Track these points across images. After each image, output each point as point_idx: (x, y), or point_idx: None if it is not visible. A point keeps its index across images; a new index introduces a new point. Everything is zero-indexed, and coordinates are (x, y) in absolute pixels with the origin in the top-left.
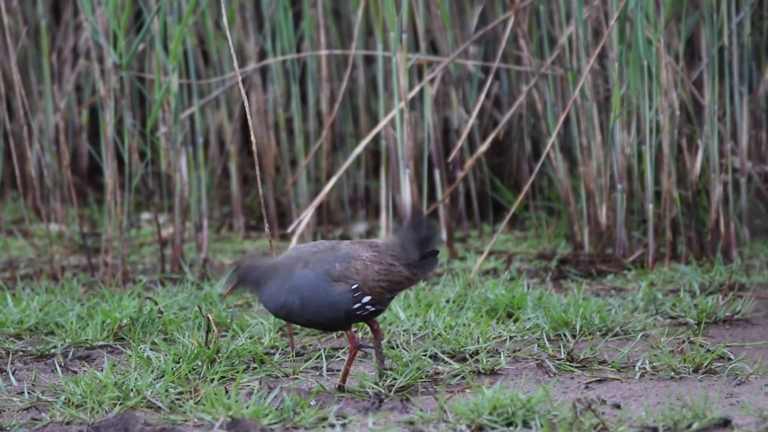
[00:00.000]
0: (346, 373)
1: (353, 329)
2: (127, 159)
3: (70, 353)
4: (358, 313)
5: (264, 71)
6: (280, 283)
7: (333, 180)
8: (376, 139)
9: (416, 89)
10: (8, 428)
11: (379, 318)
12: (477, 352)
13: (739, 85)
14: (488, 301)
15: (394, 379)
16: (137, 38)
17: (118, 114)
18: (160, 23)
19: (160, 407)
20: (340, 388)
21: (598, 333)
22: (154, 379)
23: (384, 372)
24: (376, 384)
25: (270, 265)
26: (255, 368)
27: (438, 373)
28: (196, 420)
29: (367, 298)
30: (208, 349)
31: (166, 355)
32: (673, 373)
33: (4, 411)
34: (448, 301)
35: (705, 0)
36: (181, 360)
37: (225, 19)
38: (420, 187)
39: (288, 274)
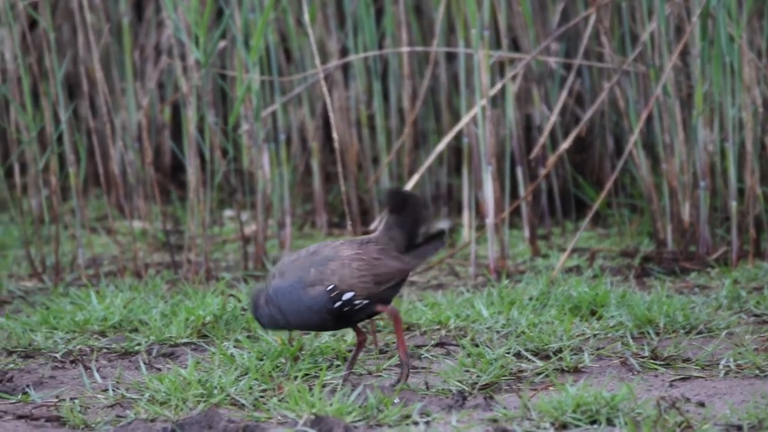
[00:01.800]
0: (402, 346)
1: (391, 309)
2: (209, 156)
3: (154, 350)
4: (347, 309)
5: (346, 68)
6: (263, 299)
7: (415, 177)
8: (458, 137)
9: (498, 86)
10: (93, 425)
11: (461, 315)
12: (560, 350)
13: None
14: (571, 298)
15: (478, 376)
16: (219, 35)
17: (200, 111)
18: (242, 20)
19: (243, 404)
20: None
21: (681, 331)
22: (238, 377)
23: (405, 363)
24: (460, 382)
25: (259, 286)
26: (338, 366)
27: (521, 371)
28: (279, 417)
29: (349, 295)
30: (292, 346)
31: (249, 353)
32: (757, 371)
33: (89, 408)
34: (531, 299)
35: None
36: (264, 357)
37: (307, 16)
38: (502, 184)
39: (266, 288)
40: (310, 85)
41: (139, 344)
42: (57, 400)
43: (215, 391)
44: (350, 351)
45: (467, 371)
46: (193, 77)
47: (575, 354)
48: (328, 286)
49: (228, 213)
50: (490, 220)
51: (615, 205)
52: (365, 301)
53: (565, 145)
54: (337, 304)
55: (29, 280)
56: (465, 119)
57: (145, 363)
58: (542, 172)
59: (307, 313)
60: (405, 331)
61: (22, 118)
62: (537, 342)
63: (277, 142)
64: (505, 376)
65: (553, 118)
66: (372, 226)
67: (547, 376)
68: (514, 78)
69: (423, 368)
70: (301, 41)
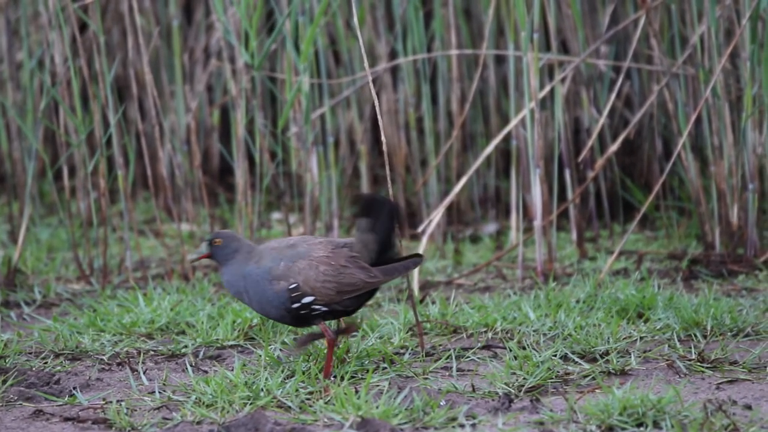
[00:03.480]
0: (328, 367)
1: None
2: (258, 159)
3: (201, 353)
4: (303, 312)
5: (394, 71)
6: (240, 272)
7: (463, 180)
8: (507, 139)
9: (547, 89)
10: (140, 427)
11: (508, 318)
12: (607, 353)
13: None
14: (618, 301)
15: (524, 379)
16: (269, 38)
17: (249, 114)
18: (292, 23)
19: (290, 407)
20: (327, 380)
21: (729, 333)
22: (284, 379)
23: (327, 381)
24: (506, 384)
25: (245, 247)
26: (385, 368)
27: (568, 374)
28: (326, 420)
29: (308, 299)
30: (338, 348)
31: (296, 355)
32: None
33: (136, 410)
34: (578, 301)
35: None
36: (311, 360)
37: (356, 19)
38: (550, 186)
39: (246, 265)
40: (358, 88)
41: (185, 347)
42: (104, 402)
43: (261, 394)
44: (397, 353)
45: (514, 374)
46: (242, 80)
47: (622, 357)
48: (292, 284)
49: (276, 216)
50: (537, 222)
51: (663, 208)
52: (324, 308)
53: (613, 148)
54: (296, 304)
55: (77, 282)
56: (513, 122)
57: (191, 365)
58: (590, 174)
59: (267, 305)
60: (452, 333)
61: (72, 121)
62: (584, 344)
63: (325, 144)
64: (552, 378)
65: (602, 120)
66: (419, 229)
67: (593, 378)
68: (563, 80)
69: (469, 371)
70: (350, 44)
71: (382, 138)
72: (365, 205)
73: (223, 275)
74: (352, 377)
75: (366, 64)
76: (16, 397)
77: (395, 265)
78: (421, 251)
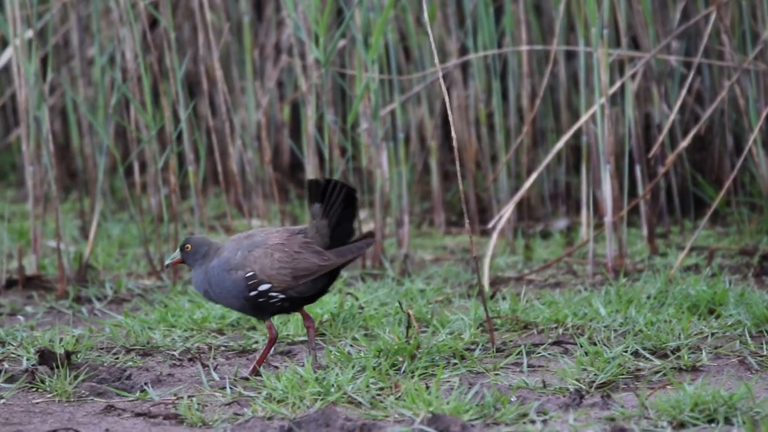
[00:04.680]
0: (260, 361)
1: (271, 320)
2: (328, 155)
3: (272, 348)
4: (261, 300)
5: (465, 67)
6: (204, 269)
7: (534, 175)
8: (577, 135)
9: (617, 85)
10: (210, 423)
11: (578, 314)
12: (678, 349)
13: None
14: (689, 297)
15: (595, 375)
16: (339, 34)
17: (319, 110)
18: (362, 19)
19: (360, 403)
20: (250, 376)
21: None
22: (355, 375)
23: (318, 367)
24: (577, 380)
25: (214, 248)
26: (455, 364)
27: (639, 370)
28: (396, 416)
29: (265, 286)
30: (409, 344)
31: (366, 351)
32: None
33: (207, 406)
34: (649, 297)
35: None
36: (381, 355)
37: (426, 15)
38: (621, 182)
39: (209, 261)
40: (429, 84)
41: (256, 342)
42: (175, 397)
43: (332, 389)
44: (467, 349)
45: (584, 370)
46: (313, 76)
47: (693, 353)
48: (248, 272)
49: None
50: (608, 218)
51: (734, 204)
52: (281, 295)
53: (684, 144)
54: (253, 292)
55: (148, 278)
56: (584, 118)
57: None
58: (661, 170)
59: (228, 296)
60: (523, 329)
61: (142, 117)
62: (655, 341)
63: (395, 140)
64: (623, 374)
65: (673, 116)
66: (490, 225)
67: (664, 374)
68: (633, 76)
69: (540, 367)
70: (421, 40)
71: (453, 134)
72: (317, 190)
73: (193, 278)
74: (423, 373)
75: (436, 60)
76: (87, 393)
77: (348, 247)
78: (491, 247)
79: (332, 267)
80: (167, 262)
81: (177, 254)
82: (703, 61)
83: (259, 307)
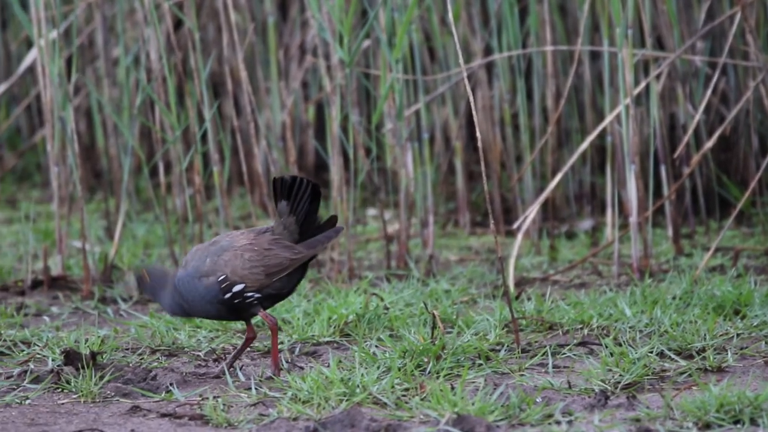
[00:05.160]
0: (274, 356)
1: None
2: (352, 155)
3: (297, 349)
4: (237, 301)
5: (489, 67)
6: (172, 287)
7: (558, 176)
8: (602, 135)
9: (642, 85)
10: (236, 423)
11: (604, 314)
12: (704, 349)
13: None
14: (715, 297)
15: (621, 376)
16: (363, 35)
17: (344, 110)
18: (386, 19)
19: (386, 403)
20: (274, 375)
21: None
22: (380, 375)
23: (274, 375)
24: (602, 381)
25: (161, 273)
26: (480, 365)
27: (664, 370)
28: (421, 416)
29: (239, 287)
30: (434, 345)
31: (391, 352)
32: None
33: (232, 407)
34: (674, 298)
35: None
36: (406, 356)
37: (451, 16)
38: (646, 183)
39: (172, 278)
40: (453, 84)
41: (281, 343)
42: (200, 398)
43: (357, 390)
44: (492, 350)
45: (610, 370)
46: (337, 76)
47: (719, 353)
48: (220, 276)
49: (371, 212)
50: (633, 218)
51: (759, 204)
52: (257, 294)
53: (709, 144)
54: (228, 295)
55: None
56: (609, 118)
57: (287, 362)
58: (686, 170)
59: (203, 303)
60: (548, 330)
61: (167, 118)
62: (680, 341)
63: (420, 140)
64: (648, 375)
65: (698, 116)
66: (515, 225)
67: (690, 375)
68: (658, 77)
69: (565, 367)
70: (445, 40)
71: (477, 134)
72: (284, 188)
73: (162, 305)
74: (448, 374)
75: (461, 60)
76: (113, 393)
77: (317, 238)
78: (516, 247)
79: (304, 259)
80: (128, 293)
81: (134, 287)
82: (728, 62)
83: (238, 309)
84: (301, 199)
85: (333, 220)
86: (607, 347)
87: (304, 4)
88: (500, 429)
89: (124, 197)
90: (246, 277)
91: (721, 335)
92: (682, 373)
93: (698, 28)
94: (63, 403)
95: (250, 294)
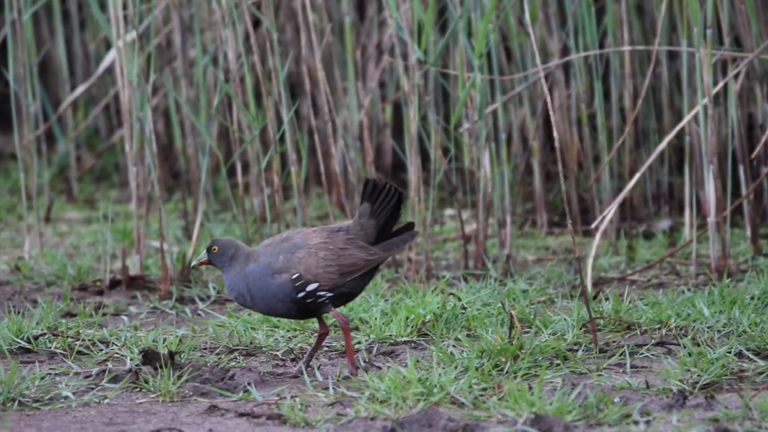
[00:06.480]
0: (350, 355)
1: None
2: (433, 155)
3: (375, 349)
4: (310, 301)
5: (567, 67)
6: (241, 274)
7: (636, 176)
8: (680, 135)
9: (720, 85)
10: (314, 423)
11: (682, 314)
12: None
13: None
14: None
15: (699, 376)
16: (440, 34)
17: (421, 110)
18: (464, 19)
19: (463, 403)
20: (352, 374)
21: None
22: (458, 375)
23: (352, 375)
24: (680, 381)
25: (243, 252)
26: (558, 365)
27: (743, 371)
28: (499, 416)
29: (313, 286)
30: (512, 345)
31: (469, 351)
32: None
33: (310, 406)
34: (752, 298)
35: None
36: (484, 356)
37: (528, 16)
38: (724, 183)
39: (245, 267)
40: (530, 84)
41: (359, 342)
42: (278, 398)
43: (435, 390)
44: (570, 350)
45: (688, 370)
46: (415, 76)
47: None
48: (294, 274)
49: (449, 212)
50: (711, 218)
51: None
52: (329, 293)
53: None
54: (301, 294)
55: None
56: (687, 118)
57: (365, 361)
58: (764, 170)
59: (273, 300)
60: (626, 330)
61: (245, 117)
62: (759, 341)
63: (497, 141)
64: (726, 375)
65: None
66: (592, 226)
67: None
68: (736, 76)
69: (643, 367)
70: (522, 40)
71: (555, 134)
72: (373, 191)
73: (225, 280)
74: (526, 374)
75: (538, 60)
76: (191, 393)
77: (393, 240)
78: (594, 247)
79: (380, 261)
80: (194, 263)
81: (204, 255)
82: None
83: (309, 308)
84: (386, 206)
85: (409, 226)
86: (685, 347)
87: (381, 3)
88: (578, 429)
89: (202, 197)
90: (320, 276)
91: None
92: (760, 374)
93: None
94: (141, 403)
95: (322, 293)
